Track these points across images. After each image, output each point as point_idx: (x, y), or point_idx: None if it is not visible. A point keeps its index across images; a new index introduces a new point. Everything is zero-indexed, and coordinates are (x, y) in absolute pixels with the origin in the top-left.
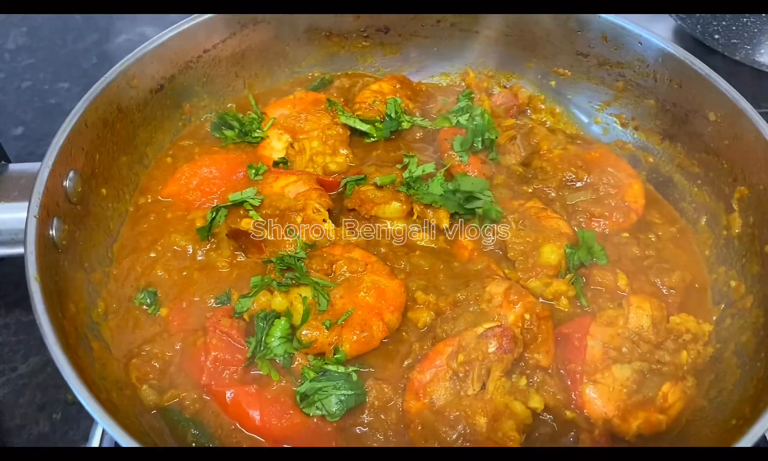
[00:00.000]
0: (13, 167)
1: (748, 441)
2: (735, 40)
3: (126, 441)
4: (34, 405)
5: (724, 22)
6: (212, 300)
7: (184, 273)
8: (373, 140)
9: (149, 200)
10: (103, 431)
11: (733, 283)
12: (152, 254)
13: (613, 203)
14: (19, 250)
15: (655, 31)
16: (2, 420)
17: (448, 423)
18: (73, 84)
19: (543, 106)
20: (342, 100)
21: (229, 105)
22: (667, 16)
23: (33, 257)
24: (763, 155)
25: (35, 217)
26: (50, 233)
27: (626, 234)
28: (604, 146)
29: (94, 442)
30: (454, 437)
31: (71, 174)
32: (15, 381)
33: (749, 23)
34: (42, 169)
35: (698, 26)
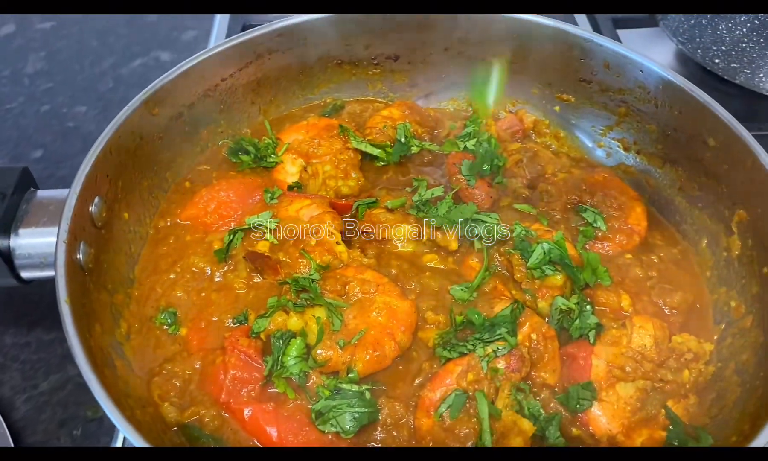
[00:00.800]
0: (41, 193)
1: None
2: (735, 65)
3: None
4: (55, 421)
5: (723, 48)
6: (230, 320)
7: (203, 294)
8: (383, 163)
9: (168, 224)
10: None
11: (733, 303)
12: (172, 276)
13: (616, 226)
14: (48, 273)
15: (656, 57)
16: (24, 435)
17: (458, 439)
18: (90, 108)
19: (547, 131)
20: (353, 125)
21: (245, 131)
22: (668, 40)
23: (63, 281)
24: (760, 181)
25: (64, 242)
26: (78, 256)
27: (629, 256)
28: (607, 170)
29: None
30: None
31: (96, 200)
32: (36, 398)
33: (748, 49)
34: (70, 195)
35: (698, 51)
